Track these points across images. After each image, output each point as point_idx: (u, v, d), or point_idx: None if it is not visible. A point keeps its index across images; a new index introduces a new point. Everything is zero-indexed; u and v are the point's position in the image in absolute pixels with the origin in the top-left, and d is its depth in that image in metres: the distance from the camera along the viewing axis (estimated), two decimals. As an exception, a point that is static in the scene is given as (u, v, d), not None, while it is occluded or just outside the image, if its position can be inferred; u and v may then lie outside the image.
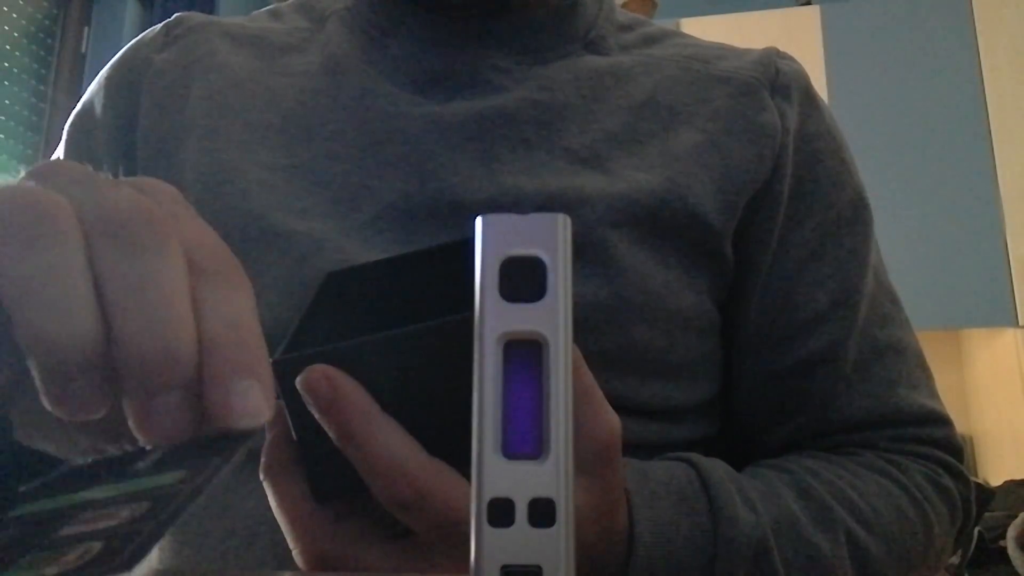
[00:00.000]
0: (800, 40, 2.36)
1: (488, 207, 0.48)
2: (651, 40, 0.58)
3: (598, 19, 0.57)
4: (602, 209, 0.48)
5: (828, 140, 0.55)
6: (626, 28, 0.59)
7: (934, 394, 0.54)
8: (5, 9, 2.38)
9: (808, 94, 0.56)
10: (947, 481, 0.50)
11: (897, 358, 0.53)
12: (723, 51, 0.57)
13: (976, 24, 2.30)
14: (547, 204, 0.48)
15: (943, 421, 0.53)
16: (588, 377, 0.32)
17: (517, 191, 0.48)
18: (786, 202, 0.53)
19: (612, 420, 0.32)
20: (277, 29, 0.59)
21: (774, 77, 0.54)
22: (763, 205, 0.52)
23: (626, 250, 0.47)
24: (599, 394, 0.32)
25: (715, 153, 0.51)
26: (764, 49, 0.57)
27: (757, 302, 0.53)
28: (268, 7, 0.63)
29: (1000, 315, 2.11)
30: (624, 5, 2.71)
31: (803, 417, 0.52)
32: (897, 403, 0.51)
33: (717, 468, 0.42)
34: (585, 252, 0.46)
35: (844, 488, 0.46)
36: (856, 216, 0.55)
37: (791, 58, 0.57)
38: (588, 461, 0.32)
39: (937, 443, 0.52)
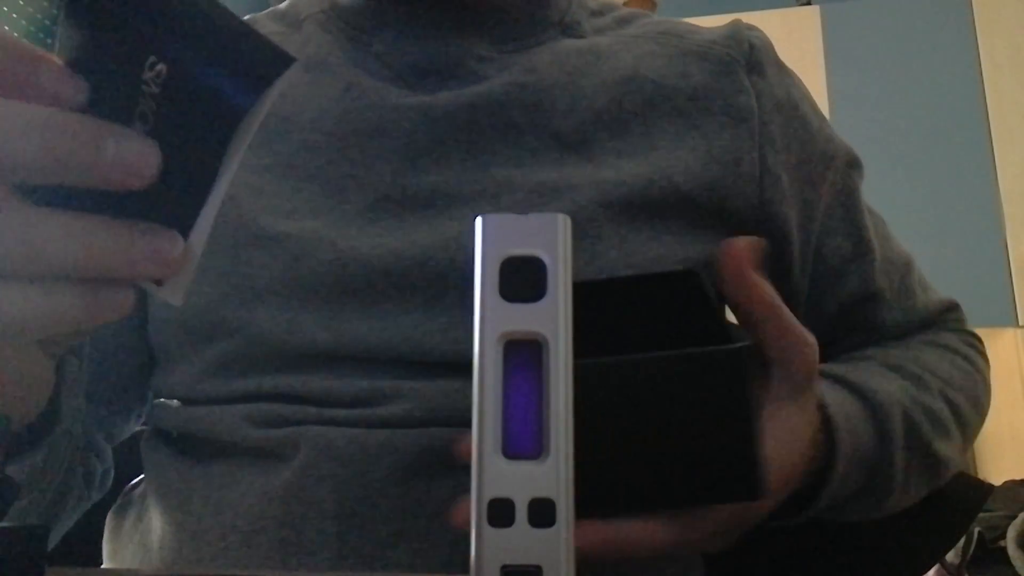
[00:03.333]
0: (800, 40, 2.36)
1: (479, 198, 0.49)
2: (623, 22, 0.60)
3: (571, 5, 0.59)
4: (591, 194, 0.49)
5: (808, 101, 0.59)
6: (598, 13, 0.61)
7: (933, 287, 0.64)
8: (5, 9, 2.38)
9: (779, 64, 0.58)
10: (975, 341, 0.61)
11: (909, 269, 0.61)
12: (691, 26, 0.59)
13: (976, 24, 2.29)
14: (537, 191, 0.49)
15: (957, 307, 0.63)
16: (778, 305, 0.36)
17: (508, 182, 0.49)
18: (794, 170, 0.55)
19: (811, 338, 0.38)
20: None
21: (748, 53, 0.56)
22: (766, 185, 0.54)
23: (613, 229, 0.48)
24: (792, 319, 0.37)
25: (696, 134, 0.52)
26: (731, 23, 0.59)
27: (797, 266, 0.56)
28: (247, 16, 0.63)
29: (1000, 315, 2.11)
30: (624, 4, 2.71)
31: (847, 344, 0.59)
32: (926, 306, 0.60)
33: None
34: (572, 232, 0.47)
35: (916, 358, 0.54)
36: (847, 160, 0.59)
37: (757, 29, 0.59)
38: (801, 380, 0.37)
39: (960, 322, 0.62)
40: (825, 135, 0.58)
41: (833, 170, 0.57)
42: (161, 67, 0.23)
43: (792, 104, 0.56)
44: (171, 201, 0.25)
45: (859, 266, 0.57)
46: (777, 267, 0.55)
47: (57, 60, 0.24)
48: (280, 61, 0.23)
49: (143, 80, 0.23)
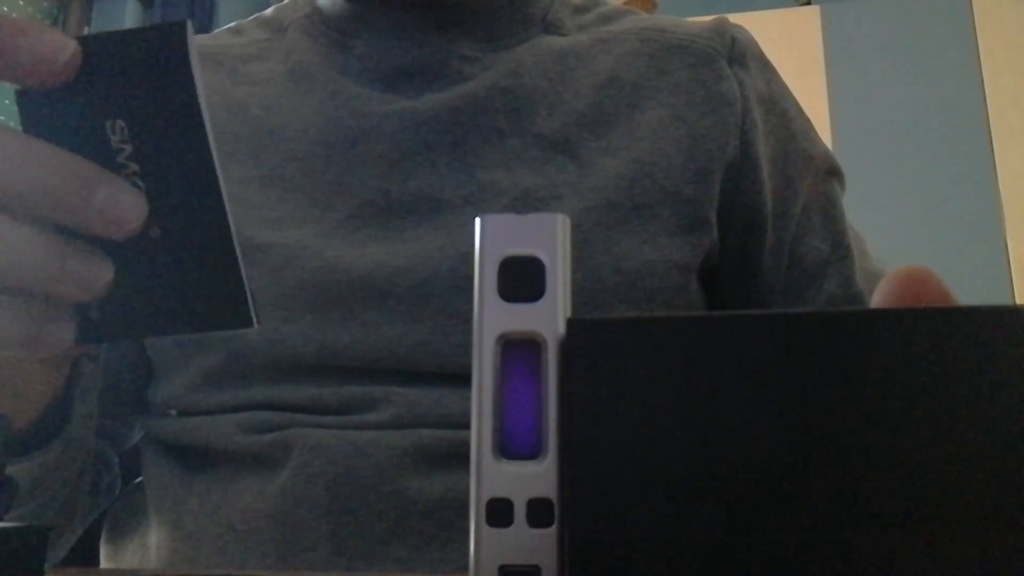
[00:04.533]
0: (800, 40, 2.36)
1: (466, 204, 0.49)
2: (607, 19, 0.60)
3: (553, 3, 0.59)
4: (575, 200, 0.49)
5: (791, 100, 0.59)
6: (581, 10, 0.61)
7: None
8: (5, 9, 2.38)
9: (762, 60, 0.58)
10: None
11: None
12: (676, 20, 0.59)
13: (976, 24, 2.29)
14: (523, 197, 0.49)
15: None
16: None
17: (494, 187, 0.49)
18: (771, 163, 0.55)
19: None
20: (237, 43, 0.59)
21: (730, 46, 0.56)
22: (745, 172, 0.54)
23: (600, 233, 0.49)
24: None
25: (680, 125, 0.53)
26: (714, 19, 0.59)
27: (768, 260, 0.55)
28: (230, 24, 0.63)
29: (1000, 315, 2.10)
30: (625, 4, 2.71)
31: None
32: None
33: None
34: None
35: None
36: (828, 166, 0.58)
37: (740, 26, 0.59)
38: None
39: None
40: (805, 135, 0.58)
41: (813, 171, 0.57)
42: (119, 123, 0.24)
43: (773, 99, 0.57)
44: (197, 223, 0.26)
45: (837, 268, 0.56)
46: (748, 256, 0.55)
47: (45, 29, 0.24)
48: (176, 30, 0.24)
49: (115, 148, 0.25)
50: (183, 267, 0.26)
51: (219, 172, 0.25)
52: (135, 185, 0.25)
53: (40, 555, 0.28)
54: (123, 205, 0.24)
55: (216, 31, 0.63)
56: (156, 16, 2.73)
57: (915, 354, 0.18)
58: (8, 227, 0.24)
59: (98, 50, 0.24)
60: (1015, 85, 2.23)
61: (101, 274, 0.25)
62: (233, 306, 0.26)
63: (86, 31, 2.70)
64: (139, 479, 0.54)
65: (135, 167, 0.25)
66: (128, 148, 0.24)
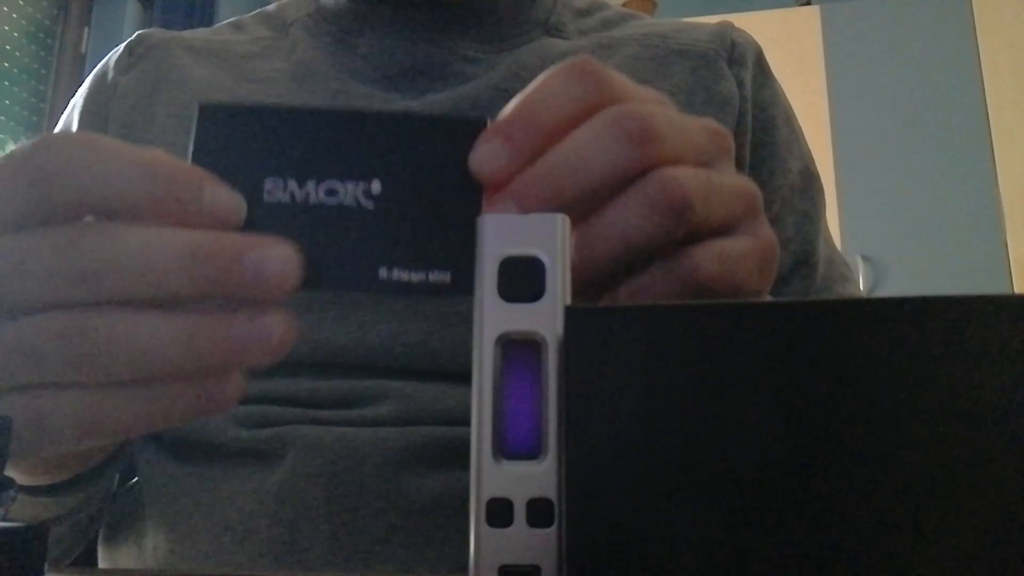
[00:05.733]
0: (800, 40, 2.36)
1: None
2: (609, 23, 0.60)
3: (556, 5, 0.59)
4: None
5: (781, 108, 0.58)
6: (584, 13, 0.60)
7: None
8: (5, 9, 2.38)
9: (760, 63, 0.58)
10: None
11: None
12: (679, 25, 0.59)
13: (976, 24, 2.30)
14: None
15: None
16: None
17: None
18: (748, 169, 0.54)
19: None
20: (240, 40, 0.59)
21: (730, 48, 0.56)
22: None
23: None
24: None
25: None
26: (718, 23, 0.59)
27: None
28: (231, 19, 0.63)
29: (1000, 315, 2.11)
30: (625, 5, 2.71)
31: None
32: None
33: None
34: None
35: None
36: (807, 184, 0.57)
37: (744, 31, 0.59)
38: None
39: None
40: (788, 146, 0.57)
41: (790, 185, 0.56)
42: (375, 183, 0.24)
43: (762, 104, 0.56)
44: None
45: (795, 284, 0.54)
46: None
47: (217, 180, 0.24)
48: (477, 126, 0.26)
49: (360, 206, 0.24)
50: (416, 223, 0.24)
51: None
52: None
53: (40, 555, 0.28)
54: (275, 264, 0.23)
55: (216, 26, 0.63)
56: (156, 16, 2.73)
57: (917, 343, 0.18)
58: (134, 321, 0.23)
59: (378, 129, 0.24)
60: (1015, 85, 2.23)
61: (275, 328, 0.23)
62: (457, 268, 0.25)
63: (85, 32, 2.70)
64: (135, 479, 0.54)
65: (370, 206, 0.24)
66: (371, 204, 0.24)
